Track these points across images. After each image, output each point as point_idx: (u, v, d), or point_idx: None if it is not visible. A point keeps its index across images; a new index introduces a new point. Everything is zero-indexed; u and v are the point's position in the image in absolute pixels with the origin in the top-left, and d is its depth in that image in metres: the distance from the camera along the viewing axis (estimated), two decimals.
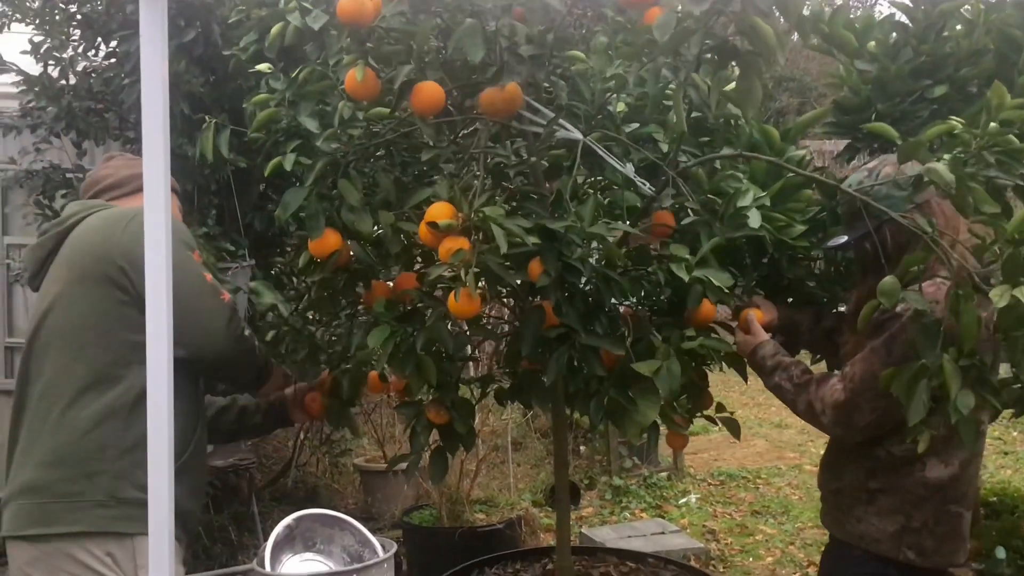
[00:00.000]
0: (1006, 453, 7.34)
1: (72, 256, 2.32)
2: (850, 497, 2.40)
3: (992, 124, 1.98)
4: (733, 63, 1.97)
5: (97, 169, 2.58)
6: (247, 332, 2.41)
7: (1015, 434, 7.72)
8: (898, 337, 2.19)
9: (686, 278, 2.24)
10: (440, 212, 2.08)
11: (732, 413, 2.53)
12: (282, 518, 2.39)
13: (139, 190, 2.44)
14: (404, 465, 2.54)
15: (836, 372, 2.34)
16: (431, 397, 2.46)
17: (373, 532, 2.44)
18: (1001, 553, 4.20)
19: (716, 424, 2.52)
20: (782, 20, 1.93)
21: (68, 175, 4.66)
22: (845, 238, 2.38)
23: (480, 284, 2.15)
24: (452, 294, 2.06)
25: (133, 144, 4.49)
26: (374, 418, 5.97)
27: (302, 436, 5.71)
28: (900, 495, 2.31)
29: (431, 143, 2.33)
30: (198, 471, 2.43)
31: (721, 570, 5.19)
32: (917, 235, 2.08)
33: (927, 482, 2.29)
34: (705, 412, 2.55)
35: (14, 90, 4.53)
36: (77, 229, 2.35)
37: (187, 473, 2.26)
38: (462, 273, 2.02)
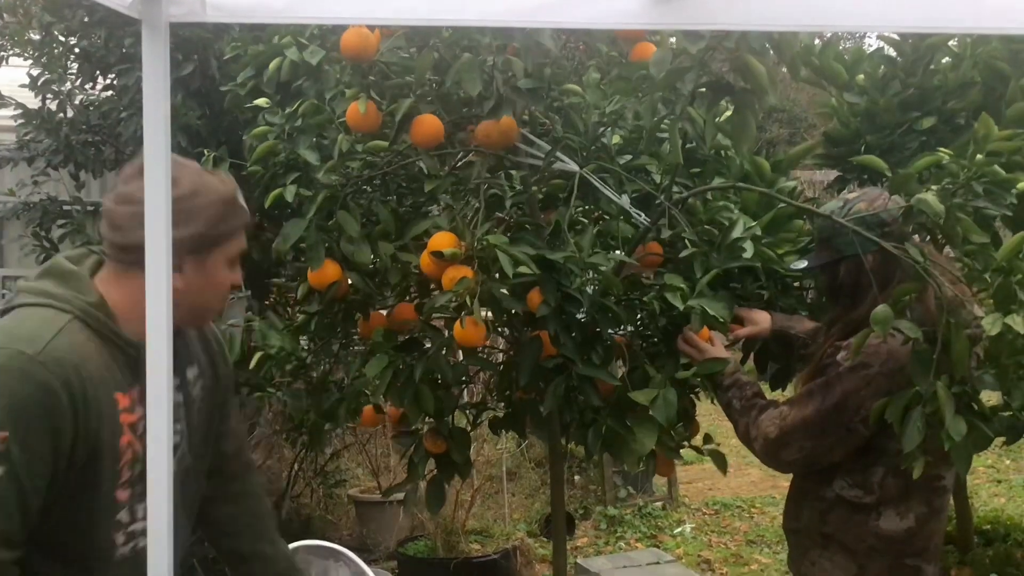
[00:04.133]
0: (999, 481, 7.34)
1: None
2: (807, 539, 2.39)
3: (979, 155, 2.02)
4: (727, 99, 2.01)
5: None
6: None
7: (1008, 462, 7.72)
8: (834, 384, 2.22)
9: (681, 307, 2.26)
10: (443, 241, 2.11)
11: (718, 445, 2.51)
12: None
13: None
14: (401, 495, 2.55)
15: (779, 403, 2.34)
16: (427, 427, 2.48)
17: (368, 563, 2.43)
18: None
19: (704, 455, 2.53)
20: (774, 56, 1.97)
21: (65, 207, 4.68)
22: (806, 262, 2.39)
23: (484, 313, 2.17)
24: (458, 322, 2.08)
25: None
26: (369, 448, 5.96)
27: (296, 467, 5.70)
28: (853, 543, 2.29)
29: (430, 174, 2.37)
30: None
31: None
32: (893, 267, 2.11)
33: (880, 532, 2.26)
34: (694, 442, 2.56)
35: (12, 123, 4.56)
36: None
37: None
38: (467, 300, 2.04)
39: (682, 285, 2.29)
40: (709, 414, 2.57)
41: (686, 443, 2.54)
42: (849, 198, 2.33)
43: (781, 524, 2.57)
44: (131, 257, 1.69)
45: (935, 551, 2.36)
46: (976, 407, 2.06)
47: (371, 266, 2.48)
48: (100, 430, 1.66)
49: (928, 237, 2.51)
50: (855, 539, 2.29)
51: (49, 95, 4.45)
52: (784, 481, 2.62)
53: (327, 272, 2.35)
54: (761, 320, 2.55)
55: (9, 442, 1.55)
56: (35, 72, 4.40)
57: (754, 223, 2.48)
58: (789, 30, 1.92)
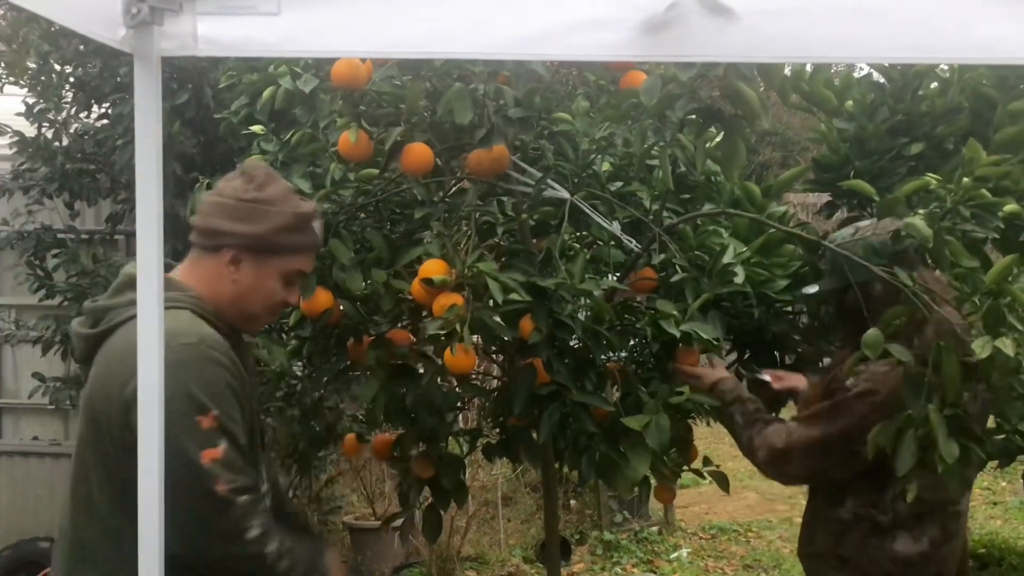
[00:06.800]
0: (995, 504, 7.32)
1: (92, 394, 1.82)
2: (823, 563, 2.39)
3: (966, 179, 2.04)
4: (716, 125, 2.03)
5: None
6: (254, 534, 1.75)
7: (1003, 484, 7.70)
8: (842, 409, 2.22)
9: (676, 333, 2.27)
10: (434, 268, 2.12)
11: (719, 466, 2.54)
12: None
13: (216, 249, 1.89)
14: (399, 523, 2.54)
15: (783, 419, 2.37)
16: (417, 452, 2.48)
17: None
18: None
19: (705, 477, 2.53)
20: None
21: (60, 236, 4.68)
22: (815, 288, 2.41)
23: (474, 339, 2.17)
24: (448, 349, 2.08)
25: (124, 204, 4.53)
26: (363, 475, 5.94)
27: (291, 493, 5.67)
28: (868, 566, 2.30)
29: (422, 201, 2.38)
30: None
31: None
32: (897, 292, 2.11)
33: (895, 556, 2.27)
34: (693, 465, 2.56)
35: (8, 152, 4.57)
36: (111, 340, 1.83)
37: None
38: (457, 327, 2.05)
39: (674, 311, 2.30)
40: (705, 438, 2.58)
41: (686, 467, 2.55)
42: (861, 225, 2.32)
43: (796, 551, 2.56)
44: (204, 240, 1.90)
45: (949, 575, 2.36)
46: (969, 430, 2.07)
47: (364, 292, 2.49)
48: (252, 399, 1.90)
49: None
50: (871, 562, 2.30)
51: (45, 124, 4.47)
52: (781, 505, 2.63)
53: (319, 300, 2.36)
54: (797, 381, 2.58)
55: (220, 419, 1.74)
56: (31, 101, 4.42)
57: (744, 248, 2.50)
58: (778, 62, 1.94)
